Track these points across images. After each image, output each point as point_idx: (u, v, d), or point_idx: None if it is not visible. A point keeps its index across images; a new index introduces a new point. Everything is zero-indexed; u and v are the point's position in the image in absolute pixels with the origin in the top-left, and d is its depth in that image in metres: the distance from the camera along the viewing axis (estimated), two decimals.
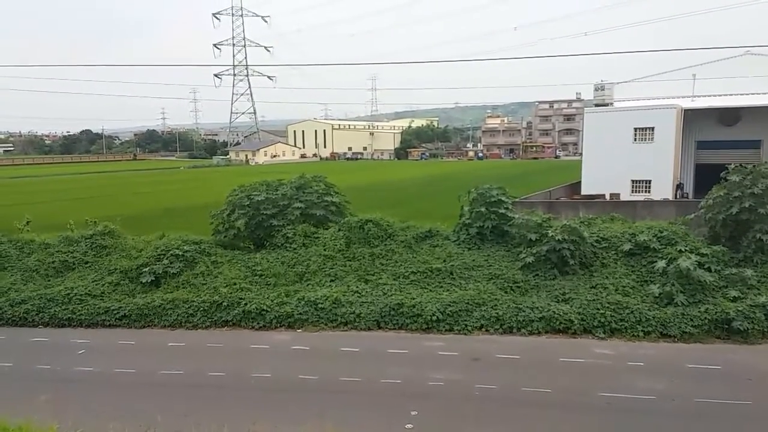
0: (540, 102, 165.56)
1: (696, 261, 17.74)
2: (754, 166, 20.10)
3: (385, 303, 18.45)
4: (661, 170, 44.07)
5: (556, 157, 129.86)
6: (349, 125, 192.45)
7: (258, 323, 18.61)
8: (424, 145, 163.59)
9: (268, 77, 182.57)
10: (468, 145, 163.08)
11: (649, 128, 44.86)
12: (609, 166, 44.70)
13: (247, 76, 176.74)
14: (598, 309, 17.24)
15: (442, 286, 19.45)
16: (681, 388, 13.40)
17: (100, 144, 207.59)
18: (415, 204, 45.95)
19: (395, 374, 14.53)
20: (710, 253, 18.68)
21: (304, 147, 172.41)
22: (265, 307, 18.81)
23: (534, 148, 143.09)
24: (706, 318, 16.53)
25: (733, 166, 20.29)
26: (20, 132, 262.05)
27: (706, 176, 33.22)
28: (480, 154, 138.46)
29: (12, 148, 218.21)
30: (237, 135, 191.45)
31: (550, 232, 19.53)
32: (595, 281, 18.74)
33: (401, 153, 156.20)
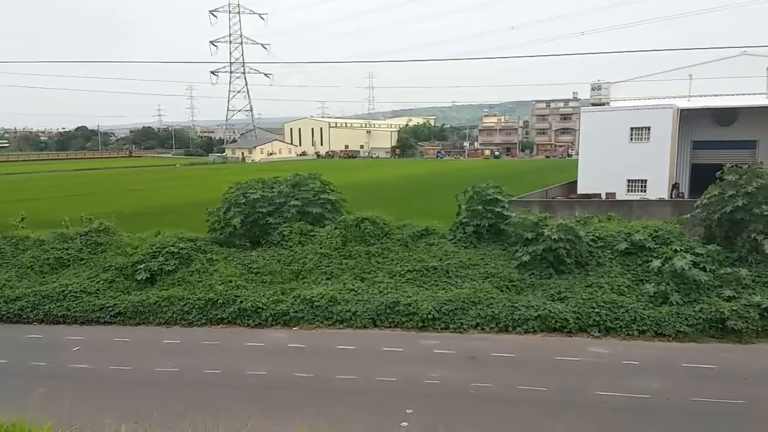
0: (537, 101, 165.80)
1: (691, 260, 17.81)
2: (749, 165, 20.16)
3: (381, 301, 18.45)
4: (657, 170, 44.18)
5: (568, 155, 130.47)
6: (346, 123, 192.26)
7: (254, 321, 18.59)
8: (420, 143, 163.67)
9: (265, 75, 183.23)
10: (465, 144, 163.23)
11: (646, 128, 44.97)
12: (605, 166, 44.81)
13: (243, 73, 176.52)
14: (594, 308, 17.28)
15: (438, 285, 19.46)
16: (676, 387, 13.44)
17: (96, 141, 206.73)
18: (413, 202, 45.93)
19: (391, 372, 14.53)
20: (705, 252, 18.76)
21: (300, 145, 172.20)
22: (260, 305, 18.79)
23: (547, 147, 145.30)
24: (700, 317, 16.59)
25: (728, 166, 20.35)
26: (15, 128, 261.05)
27: (702, 176, 33.32)
28: (496, 153, 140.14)
29: (7, 145, 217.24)
30: (233, 132, 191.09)
31: (546, 231, 19.56)
32: (591, 280, 18.78)
33: (395, 151, 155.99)
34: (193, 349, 16.91)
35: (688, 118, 45.49)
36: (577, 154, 55.46)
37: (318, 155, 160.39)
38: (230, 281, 20.28)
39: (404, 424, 11.90)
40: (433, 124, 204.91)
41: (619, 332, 16.73)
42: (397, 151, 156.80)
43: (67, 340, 18.05)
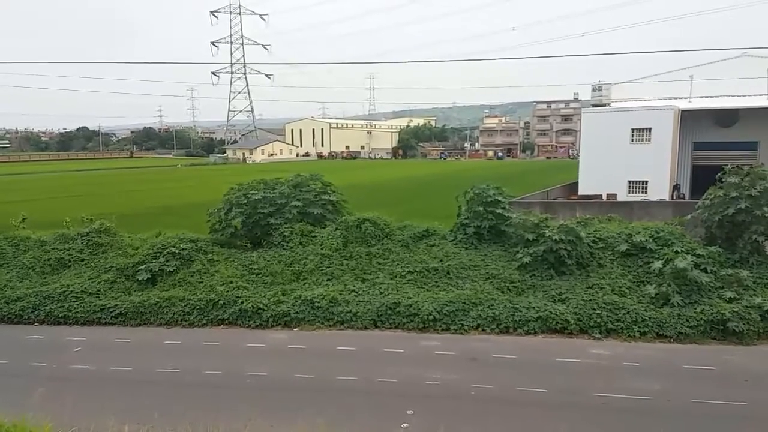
0: (538, 102, 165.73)
1: (692, 262, 17.78)
2: (751, 167, 20.13)
3: (381, 302, 18.45)
4: (658, 171, 44.17)
5: (569, 156, 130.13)
6: (347, 124, 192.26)
7: (254, 322, 18.60)
8: (421, 144, 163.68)
9: (266, 75, 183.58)
10: (466, 144, 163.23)
11: (647, 129, 44.95)
12: (606, 167, 44.78)
13: (244, 74, 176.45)
14: (595, 309, 17.27)
15: (438, 286, 19.45)
16: (677, 388, 13.43)
17: (97, 141, 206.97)
18: (415, 203, 45.93)
19: (391, 373, 14.53)
20: (706, 254, 18.73)
21: (301, 146, 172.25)
22: (261, 306, 18.80)
23: (548, 148, 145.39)
24: (701, 319, 16.57)
25: (729, 167, 20.33)
26: (17, 129, 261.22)
27: (703, 177, 33.34)
28: (500, 154, 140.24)
29: (8, 145, 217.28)
30: (234, 133, 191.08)
31: (547, 232, 19.55)
32: (592, 281, 18.77)
33: (398, 152, 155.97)
34: (193, 350, 16.91)
35: (688, 119, 45.47)
36: (578, 155, 55.43)
37: (321, 156, 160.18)
38: (231, 282, 20.28)
39: (405, 425, 11.90)
40: (434, 124, 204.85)
41: (620, 334, 16.71)
42: (400, 152, 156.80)
43: (68, 340, 18.05)
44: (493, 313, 17.57)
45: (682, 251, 18.64)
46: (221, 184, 37.20)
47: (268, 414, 12.32)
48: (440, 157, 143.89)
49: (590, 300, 17.71)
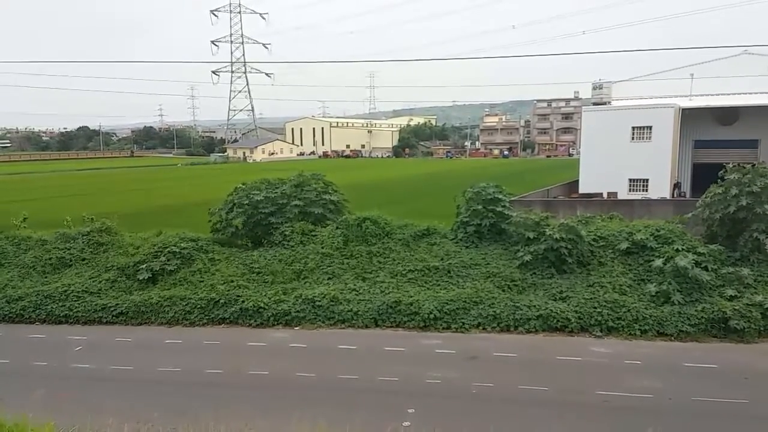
0: (538, 101, 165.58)
1: (693, 260, 17.78)
2: (752, 165, 20.12)
3: (382, 301, 18.46)
4: (659, 169, 44.11)
5: (570, 155, 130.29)
6: (347, 123, 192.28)
7: (255, 321, 18.61)
8: (422, 143, 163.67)
9: (266, 74, 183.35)
10: (466, 143, 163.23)
11: (647, 127, 44.89)
12: (607, 165, 44.71)
13: (245, 73, 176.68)
14: (596, 307, 17.28)
15: (439, 284, 19.45)
16: (678, 386, 13.43)
17: (98, 141, 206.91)
18: (415, 202, 45.89)
19: (393, 372, 14.54)
20: (707, 251, 18.72)
21: (302, 144, 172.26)
22: (262, 305, 18.81)
23: (548, 147, 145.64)
24: (702, 317, 16.58)
25: (730, 165, 20.31)
26: (17, 128, 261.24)
27: (704, 175, 33.28)
28: (505, 153, 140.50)
29: (9, 145, 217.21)
30: (235, 132, 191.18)
31: (547, 230, 19.54)
32: (593, 280, 18.76)
33: (399, 151, 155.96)
34: (194, 349, 16.93)
35: (689, 117, 45.41)
36: (579, 153, 55.37)
37: (326, 155, 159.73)
38: (232, 281, 20.29)
39: (406, 423, 11.90)
40: (434, 123, 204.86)
41: (621, 332, 16.72)
42: (407, 150, 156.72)
43: (69, 340, 18.09)
44: (494, 311, 17.58)
45: (682, 249, 18.63)
46: (222, 183, 37.23)
47: (269, 413, 12.33)
48: (446, 156, 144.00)
49: (591, 298, 17.71)
